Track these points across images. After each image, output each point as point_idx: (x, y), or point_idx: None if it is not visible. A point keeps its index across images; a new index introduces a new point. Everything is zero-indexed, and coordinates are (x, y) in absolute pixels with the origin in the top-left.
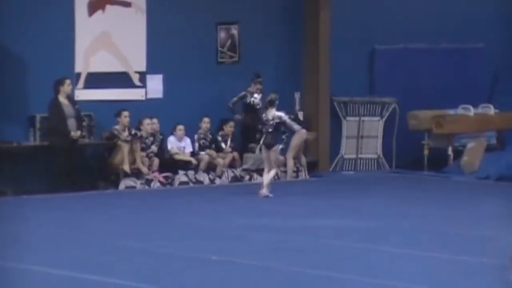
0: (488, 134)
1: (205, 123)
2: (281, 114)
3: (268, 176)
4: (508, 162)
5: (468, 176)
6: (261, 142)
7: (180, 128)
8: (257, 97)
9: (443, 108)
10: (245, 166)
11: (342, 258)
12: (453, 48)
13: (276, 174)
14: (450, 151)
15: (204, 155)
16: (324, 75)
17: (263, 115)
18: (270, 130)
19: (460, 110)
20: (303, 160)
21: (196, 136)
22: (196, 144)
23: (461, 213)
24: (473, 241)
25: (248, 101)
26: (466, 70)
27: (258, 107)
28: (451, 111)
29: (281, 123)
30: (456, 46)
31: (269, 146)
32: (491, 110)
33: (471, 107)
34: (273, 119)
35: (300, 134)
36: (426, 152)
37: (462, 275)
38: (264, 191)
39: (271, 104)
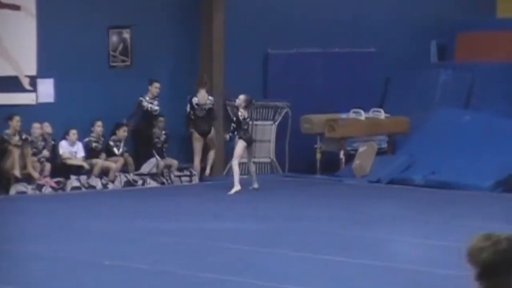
0: (379, 138)
1: (98, 126)
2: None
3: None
4: (399, 165)
5: (359, 179)
6: (242, 138)
7: (74, 132)
8: (154, 103)
9: (335, 112)
10: (143, 171)
11: (236, 261)
12: (345, 52)
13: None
14: (342, 154)
15: (98, 160)
16: (218, 79)
17: (240, 114)
18: (246, 127)
19: (351, 114)
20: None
21: (87, 140)
22: (87, 149)
23: (353, 216)
24: (364, 243)
25: (146, 107)
26: (358, 74)
27: (155, 113)
28: (343, 115)
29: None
30: (348, 50)
31: (251, 142)
32: (382, 115)
33: (362, 111)
34: (248, 117)
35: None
36: (318, 156)
37: (354, 277)
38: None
39: (249, 105)
